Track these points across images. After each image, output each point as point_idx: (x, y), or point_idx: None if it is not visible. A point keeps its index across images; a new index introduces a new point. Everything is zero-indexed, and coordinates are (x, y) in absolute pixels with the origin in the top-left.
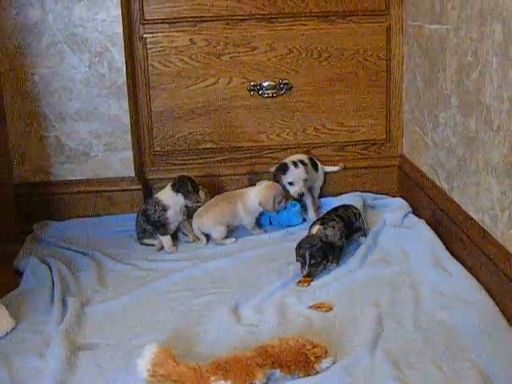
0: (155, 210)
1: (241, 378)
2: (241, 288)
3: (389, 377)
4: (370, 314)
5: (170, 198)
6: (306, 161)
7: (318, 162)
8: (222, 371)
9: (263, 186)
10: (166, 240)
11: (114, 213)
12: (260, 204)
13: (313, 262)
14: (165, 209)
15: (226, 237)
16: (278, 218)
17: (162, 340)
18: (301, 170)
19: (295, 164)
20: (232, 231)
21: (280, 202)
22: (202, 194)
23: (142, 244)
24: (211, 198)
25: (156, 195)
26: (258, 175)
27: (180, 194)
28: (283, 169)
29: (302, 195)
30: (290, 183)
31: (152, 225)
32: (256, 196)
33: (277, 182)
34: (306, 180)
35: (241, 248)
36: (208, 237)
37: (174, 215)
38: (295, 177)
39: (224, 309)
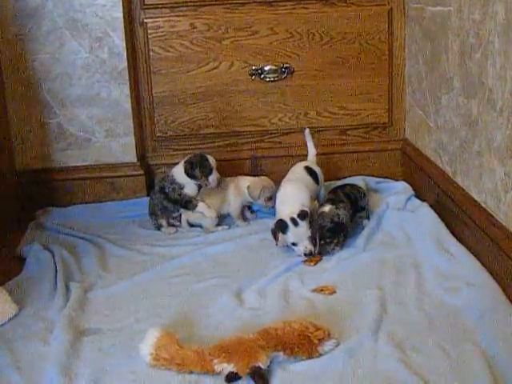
0: (173, 189)
1: (244, 361)
2: (243, 272)
3: (392, 359)
4: (373, 296)
5: (184, 178)
6: (306, 208)
7: (316, 170)
8: (225, 354)
9: (259, 177)
10: (203, 207)
11: (116, 198)
12: (248, 187)
13: (322, 242)
14: (181, 187)
15: (218, 225)
16: None
17: (165, 324)
18: (302, 228)
19: (294, 221)
20: (224, 218)
21: (268, 198)
22: (211, 178)
23: (155, 225)
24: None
25: (172, 173)
26: (259, 160)
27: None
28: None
29: (310, 254)
30: (293, 244)
31: (175, 203)
32: (248, 181)
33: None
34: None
35: (243, 232)
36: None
37: (192, 190)
38: (296, 237)
39: (227, 293)
